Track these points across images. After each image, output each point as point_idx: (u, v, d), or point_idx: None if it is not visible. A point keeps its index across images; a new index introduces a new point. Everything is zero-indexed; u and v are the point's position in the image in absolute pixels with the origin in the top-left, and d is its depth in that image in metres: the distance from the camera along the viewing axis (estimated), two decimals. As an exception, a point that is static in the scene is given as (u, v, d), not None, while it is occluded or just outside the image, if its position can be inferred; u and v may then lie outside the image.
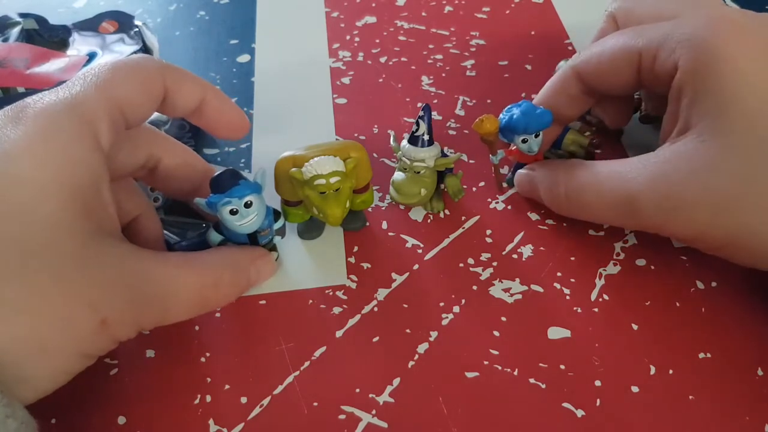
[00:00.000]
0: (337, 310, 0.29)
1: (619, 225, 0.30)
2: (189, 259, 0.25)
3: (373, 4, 0.47)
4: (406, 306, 0.29)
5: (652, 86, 0.28)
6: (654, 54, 0.26)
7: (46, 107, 0.22)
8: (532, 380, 0.26)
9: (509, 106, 0.31)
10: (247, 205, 0.25)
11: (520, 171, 0.32)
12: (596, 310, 0.29)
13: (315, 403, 0.26)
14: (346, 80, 0.41)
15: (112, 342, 0.23)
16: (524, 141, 0.30)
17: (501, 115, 0.31)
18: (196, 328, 0.29)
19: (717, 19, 0.24)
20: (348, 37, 0.44)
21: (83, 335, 0.21)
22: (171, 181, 0.29)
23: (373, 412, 0.26)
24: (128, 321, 0.23)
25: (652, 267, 0.30)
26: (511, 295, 0.29)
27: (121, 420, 0.26)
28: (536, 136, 0.30)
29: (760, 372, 0.26)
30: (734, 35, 0.24)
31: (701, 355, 0.27)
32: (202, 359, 0.28)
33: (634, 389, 0.26)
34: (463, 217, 0.33)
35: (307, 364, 0.27)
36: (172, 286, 0.24)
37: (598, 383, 0.26)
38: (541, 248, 0.31)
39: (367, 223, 0.32)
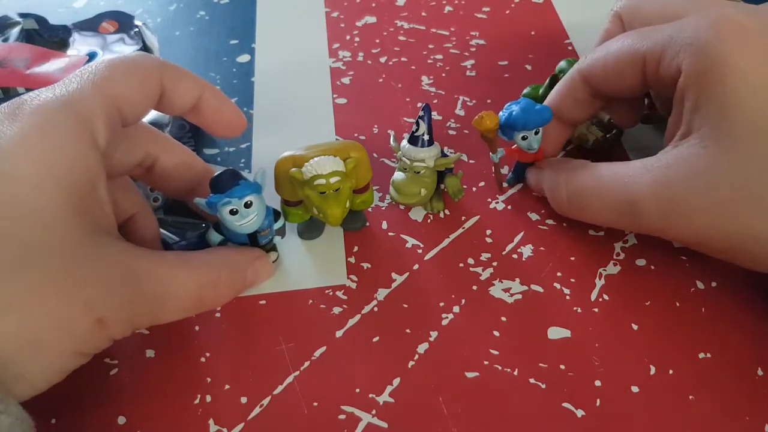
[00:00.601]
0: (337, 310, 0.29)
1: (622, 228, 0.30)
2: (186, 259, 0.25)
3: (373, 4, 0.47)
4: (406, 306, 0.29)
5: (658, 89, 0.28)
6: (658, 58, 0.26)
7: (42, 104, 0.22)
8: (532, 380, 0.26)
9: (509, 104, 0.31)
10: (247, 205, 0.25)
11: (530, 168, 0.32)
12: (596, 310, 0.29)
13: (315, 403, 0.26)
14: (346, 80, 0.41)
15: (107, 340, 0.23)
16: (524, 138, 0.30)
17: (501, 113, 0.31)
18: (196, 328, 0.29)
19: (720, 20, 0.24)
20: (348, 37, 0.44)
21: (78, 333, 0.21)
22: (169, 180, 0.29)
23: (373, 412, 0.26)
24: (124, 320, 0.23)
25: (652, 267, 0.30)
26: (511, 295, 0.29)
27: (121, 420, 0.26)
28: (536, 133, 0.30)
29: (760, 372, 0.26)
30: (737, 37, 0.24)
31: (701, 355, 0.27)
32: (202, 359, 0.28)
33: (634, 389, 0.26)
34: (463, 217, 0.33)
35: (307, 364, 0.27)
36: (169, 285, 0.24)
37: (598, 383, 0.26)
38: (541, 248, 0.31)
39: (367, 223, 0.32)
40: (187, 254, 0.26)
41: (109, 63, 0.24)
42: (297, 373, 0.27)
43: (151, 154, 0.28)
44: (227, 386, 0.27)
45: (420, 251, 0.31)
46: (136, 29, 0.40)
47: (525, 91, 0.37)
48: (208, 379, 0.27)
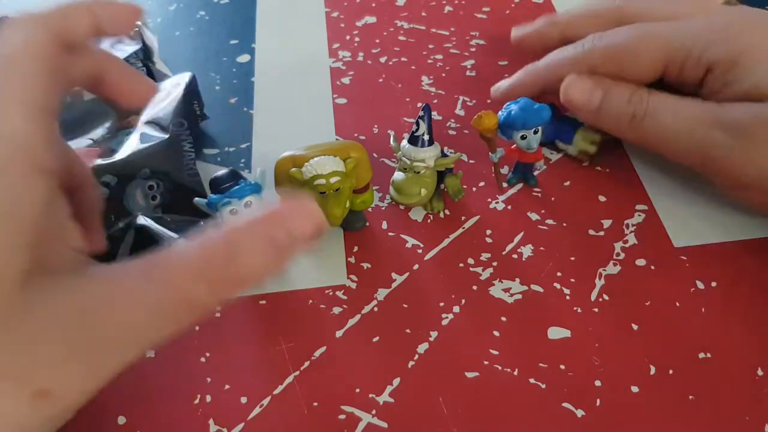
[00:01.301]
0: (337, 310, 0.29)
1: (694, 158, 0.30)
2: (150, 271, 0.19)
3: (373, 4, 0.47)
4: (406, 306, 0.29)
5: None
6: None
7: None
8: (532, 380, 0.26)
9: (508, 103, 0.31)
10: (247, 206, 0.25)
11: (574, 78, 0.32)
12: (596, 310, 0.29)
13: (315, 403, 0.26)
14: (346, 80, 0.41)
15: (63, 411, 0.18)
16: (523, 137, 0.30)
17: (500, 113, 0.31)
18: (196, 328, 0.29)
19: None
20: (348, 37, 0.44)
21: (13, 418, 0.17)
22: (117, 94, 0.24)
23: (373, 412, 0.26)
24: (78, 380, 0.18)
25: (652, 267, 0.30)
26: (511, 295, 0.29)
27: (121, 420, 0.26)
28: (535, 133, 0.30)
29: (760, 372, 0.26)
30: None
31: (701, 355, 0.27)
32: (202, 359, 0.28)
33: (634, 389, 0.26)
34: (463, 217, 0.33)
35: (307, 364, 0.27)
36: (129, 316, 0.19)
37: (598, 383, 0.26)
38: (541, 248, 0.31)
39: (367, 223, 0.32)
40: (155, 263, 0.20)
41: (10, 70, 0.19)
42: (297, 373, 0.27)
43: (99, 68, 0.23)
44: (227, 386, 0.27)
45: (420, 251, 0.31)
46: (136, 29, 0.40)
47: None
48: (208, 379, 0.27)
